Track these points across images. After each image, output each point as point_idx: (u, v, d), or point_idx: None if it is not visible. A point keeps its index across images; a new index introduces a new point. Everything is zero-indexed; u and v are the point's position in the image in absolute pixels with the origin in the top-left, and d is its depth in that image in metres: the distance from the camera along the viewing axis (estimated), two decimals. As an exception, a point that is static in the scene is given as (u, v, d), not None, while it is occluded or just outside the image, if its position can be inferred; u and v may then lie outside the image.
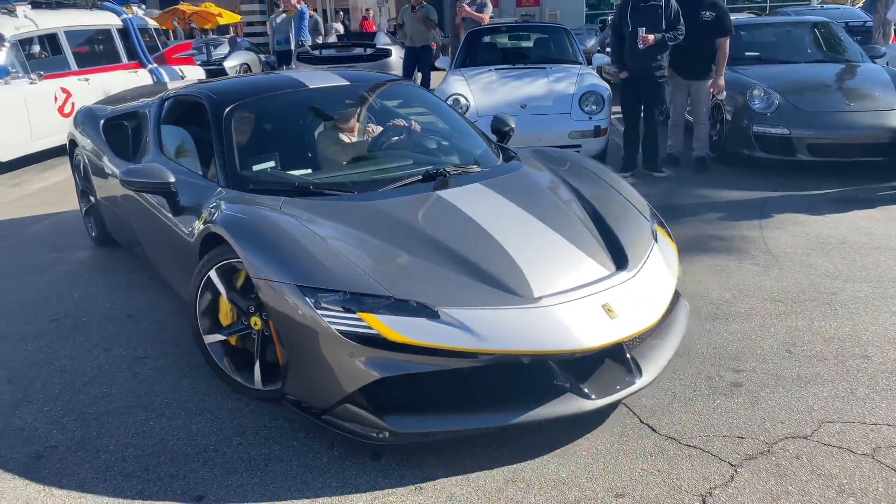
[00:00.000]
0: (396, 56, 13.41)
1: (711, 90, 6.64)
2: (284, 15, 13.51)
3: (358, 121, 4.03)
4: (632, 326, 2.60)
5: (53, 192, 6.78)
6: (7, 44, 7.65)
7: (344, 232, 2.84)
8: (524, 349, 2.45)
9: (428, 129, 4.21)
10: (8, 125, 7.40)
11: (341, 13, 25.82)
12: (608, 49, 9.95)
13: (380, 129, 4.11)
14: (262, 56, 15.76)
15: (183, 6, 19.76)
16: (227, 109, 3.62)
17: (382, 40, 14.01)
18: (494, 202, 3.17)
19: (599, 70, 9.47)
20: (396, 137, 3.99)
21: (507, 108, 6.59)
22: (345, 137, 3.90)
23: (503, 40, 9.63)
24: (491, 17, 11.04)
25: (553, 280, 2.68)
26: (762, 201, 5.64)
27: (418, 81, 12.56)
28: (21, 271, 4.60)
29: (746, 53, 7.68)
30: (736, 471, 2.38)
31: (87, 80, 8.51)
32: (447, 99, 6.69)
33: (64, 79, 8.24)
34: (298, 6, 13.62)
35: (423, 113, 4.44)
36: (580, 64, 7.77)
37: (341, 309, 2.44)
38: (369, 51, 13.17)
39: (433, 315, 2.45)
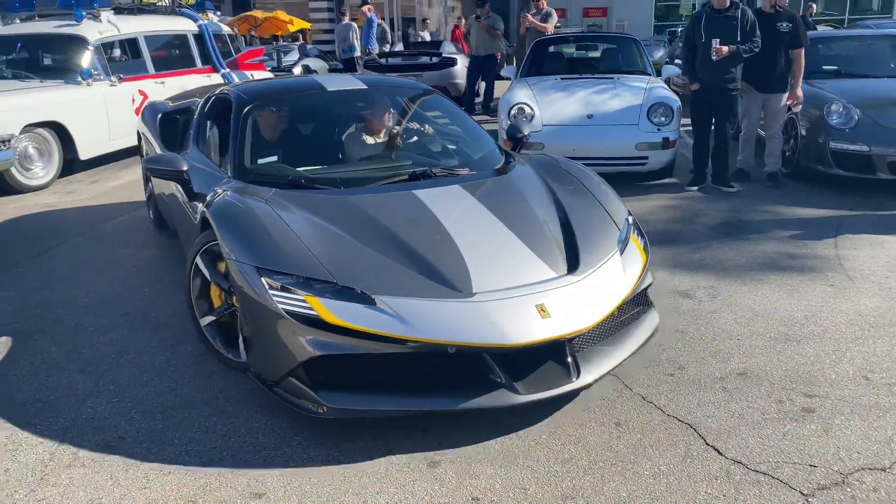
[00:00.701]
0: (462, 65, 13.45)
1: (789, 102, 6.44)
2: (350, 22, 13.73)
3: (384, 124, 4.22)
4: (564, 327, 2.66)
5: (127, 191, 7.03)
6: (91, 47, 7.98)
7: (313, 222, 3.04)
8: (450, 340, 2.56)
9: (441, 133, 4.38)
10: (88, 125, 7.70)
11: (428, 21, 25.97)
12: (677, 60, 9.79)
13: (398, 131, 4.30)
14: (331, 62, 16.01)
15: (255, 13, 20.32)
16: (247, 108, 3.98)
17: (448, 49, 14.09)
18: (465, 203, 3.32)
19: (668, 81, 9.30)
20: (408, 139, 4.21)
21: (572, 118, 6.56)
22: (369, 138, 4.12)
23: (570, 50, 9.57)
24: (556, 28, 11.01)
25: (495, 278, 2.80)
26: (837, 220, 5.43)
27: (482, 90, 12.60)
28: (96, 265, 4.78)
29: (824, 67, 7.42)
30: (807, 500, 2.28)
31: (162, 83, 8.80)
32: (512, 108, 6.68)
33: (141, 81, 8.54)
34: (368, 14, 13.82)
35: (439, 117, 4.58)
36: (649, 75, 7.66)
37: (290, 291, 2.66)
38: (435, 59, 13.24)
39: (370, 302, 2.63)
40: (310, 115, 4.41)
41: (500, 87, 10.25)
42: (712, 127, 6.46)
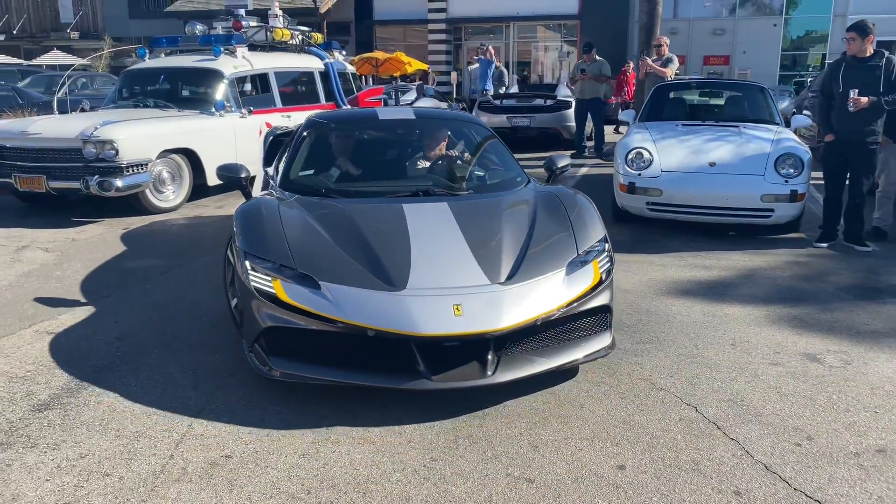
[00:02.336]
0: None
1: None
2: (476, 66, 14.03)
3: (427, 148, 4.79)
4: (472, 326, 3.00)
5: (249, 217, 7.32)
6: (225, 81, 8.49)
7: (304, 221, 3.67)
8: (370, 324, 3.00)
9: (474, 158, 4.86)
10: (217, 153, 8.13)
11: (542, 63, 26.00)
12: (805, 112, 9.31)
13: (433, 155, 4.77)
14: (446, 103, 16.35)
15: (377, 53, 21.10)
16: (306, 130, 4.85)
17: (563, 92, 14.06)
18: (440, 217, 3.75)
19: (797, 132, 8.86)
20: (439, 163, 4.69)
21: (692, 166, 6.34)
22: (420, 162, 4.71)
23: (692, 96, 9.30)
24: (675, 74, 10.77)
25: (430, 279, 3.22)
26: None
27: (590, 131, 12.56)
28: (216, 286, 4.97)
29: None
30: None
31: (288, 116, 9.21)
32: (629, 152, 6.53)
33: (269, 115, 8.97)
34: (487, 56, 14.10)
35: (478, 144, 5.01)
36: (777, 124, 7.31)
37: (263, 273, 3.26)
38: (549, 102, 13.26)
39: (316, 287, 3.16)
40: (359, 138, 5.04)
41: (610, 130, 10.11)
42: (846, 181, 6.06)
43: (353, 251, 3.40)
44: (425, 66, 22.60)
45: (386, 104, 12.55)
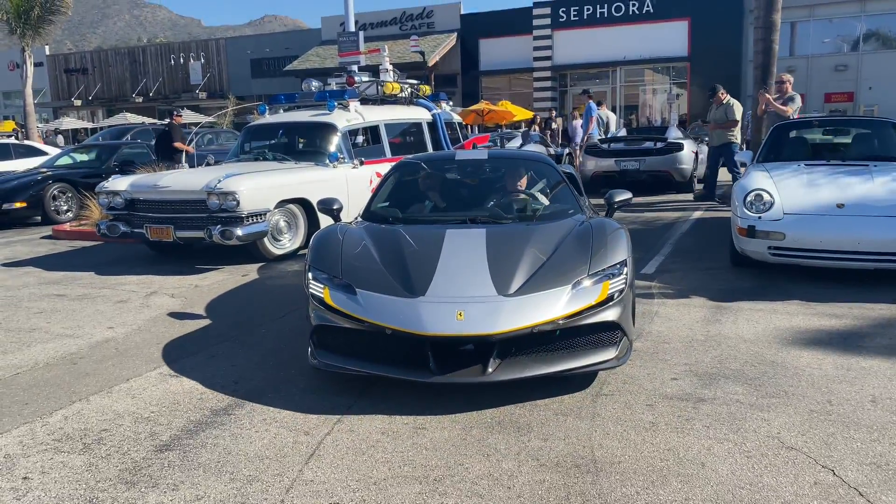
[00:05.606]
0: (689, 150, 13.02)
1: None
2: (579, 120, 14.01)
3: (522, 183, 5.37)
4: (470, 329, 3.49)
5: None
6: (339, 133, 8.83)
7: (361, 242, 4.35)
8: (388, 324, 3.60)
9: (536, 193, 5.27)
10: (331, 202, 8.43)
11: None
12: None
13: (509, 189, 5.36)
14: (552, 148, 16.32)
15: (483, 104, 21.44)
16: (393, 168, 5.76)
17: (674, 135, 13.72)
18: (473, 240, 4.24)
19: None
20: (500, 197, 5.24)
21: (819, 207, 5.96)
22: (484, 196, 5.31)
23: (813, 135, 8.81)
24: (796, 111, 10.12)
25: (446, 289, 3.74)
26: None
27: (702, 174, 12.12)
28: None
29: None
30: None
31: (397, 166, 9.45)
32: (748, 195, 6.22)
33: (379, 164, 9.23)
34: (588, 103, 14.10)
35: (542, 180, 5.47)
36: (913, 161, 6.77)
37: (318, 282, 3.97)
38: (659, 144, 12.96)
39: (352, 292, 3.82)
40: (437, 175, 5.61)
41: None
42: None
43: (389, 265, 4.01)
44: (530, 114, 22.73)
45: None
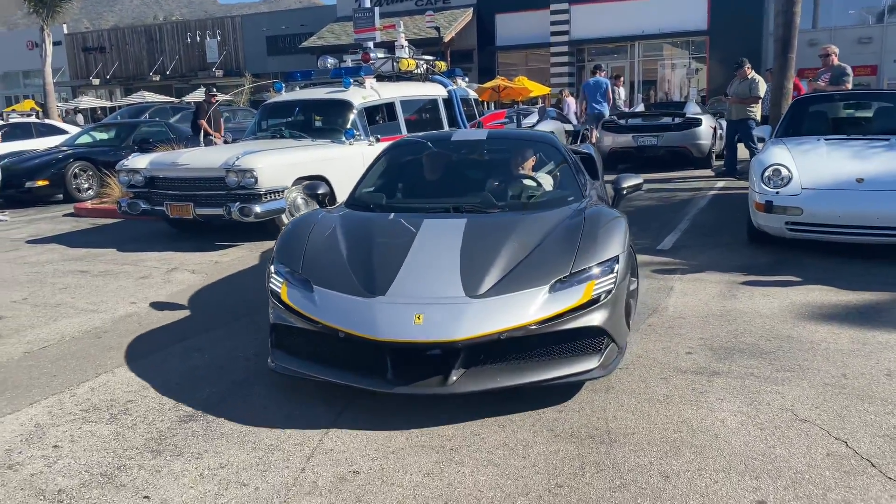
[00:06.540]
0: (707, 125, 12.90)
1: None
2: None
3: (525, 167, 4.93)
4: (427, 335, 3.14)
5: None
6: (355, 111, 8.84)
7: (330, 232, 4.00)
8: (340, 326, 3.26)
9: (536, 177, 4.81)
10: (347, 179, 8.39)
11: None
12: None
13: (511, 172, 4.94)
14: (570, 125, 16.22)
15: (499, 80, 21.31)
16: (384, 150, 5.31)
17: (692, 110, 13.59)
18: (449, 232, 3.87)
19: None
20: (498, 181, 4.76)
21: (838, 182, 5.92)
22: (478, 180, 4.89)
23: (834, 109, 8.67)
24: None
25: (409, 289, 3.39)
26: None
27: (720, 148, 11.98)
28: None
29: None
30: None
31: (413, 142, 9.45)
32: (766, 169, 6.19)
33: (394, 141, 9.25)
34: (599, 76, 13.98)
35: (545, 164, 5.04)
36: (936, 135, 6.68)
37: (279, 276, 3.67)
38: (678, 120, 12.85)
39: (309, 289, 3.50)
40: (430, 158, 5.10)
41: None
42: None
43: (353, 260, 3.68)
44: (547, 90, 22.54)
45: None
